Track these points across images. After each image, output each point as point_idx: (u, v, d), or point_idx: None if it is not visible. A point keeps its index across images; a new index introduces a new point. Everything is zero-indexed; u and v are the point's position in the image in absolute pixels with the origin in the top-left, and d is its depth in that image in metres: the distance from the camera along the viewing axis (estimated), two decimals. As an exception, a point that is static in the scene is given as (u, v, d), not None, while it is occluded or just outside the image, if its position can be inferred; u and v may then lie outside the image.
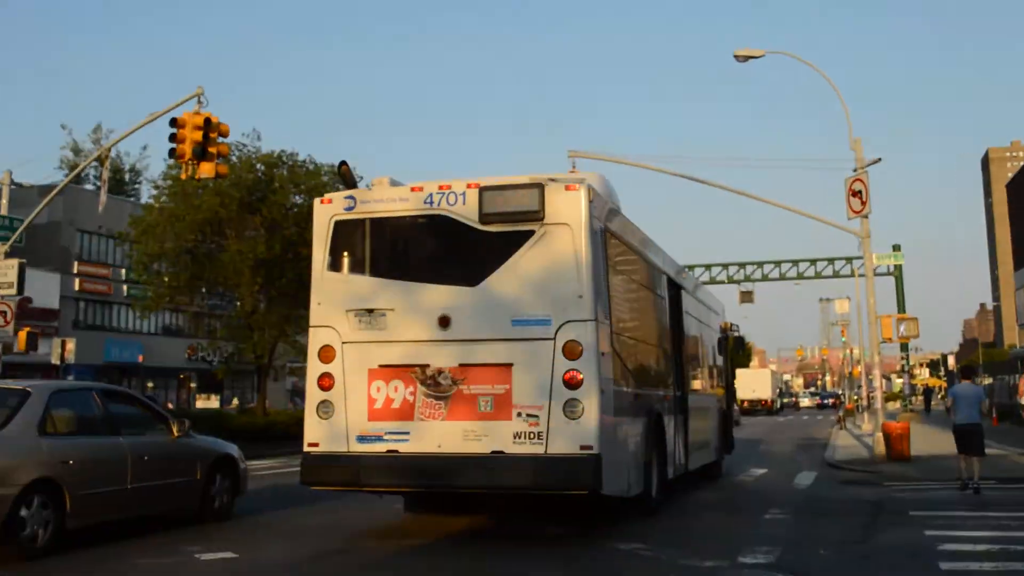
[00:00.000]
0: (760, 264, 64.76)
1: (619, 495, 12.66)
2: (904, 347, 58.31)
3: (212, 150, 22.13)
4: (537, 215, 12.36)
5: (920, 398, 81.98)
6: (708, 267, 64.56)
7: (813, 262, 64.45)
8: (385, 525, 13.93)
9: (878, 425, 25.51)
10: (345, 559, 11.43)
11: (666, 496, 15.31)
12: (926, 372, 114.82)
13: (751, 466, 24.15)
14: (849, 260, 62.75)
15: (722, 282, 63.88)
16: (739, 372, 62.32)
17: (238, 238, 38.51)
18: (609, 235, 13.25)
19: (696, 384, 19.12)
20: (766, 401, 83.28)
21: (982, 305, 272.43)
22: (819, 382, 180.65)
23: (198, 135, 22.03)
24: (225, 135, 22.49)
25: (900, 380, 77.26)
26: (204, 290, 41.54)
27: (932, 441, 30.55)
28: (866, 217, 25.30)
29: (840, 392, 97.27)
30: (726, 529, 13.63)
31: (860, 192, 24.77)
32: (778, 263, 64.88)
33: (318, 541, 12.69)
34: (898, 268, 61.19)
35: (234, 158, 38.01)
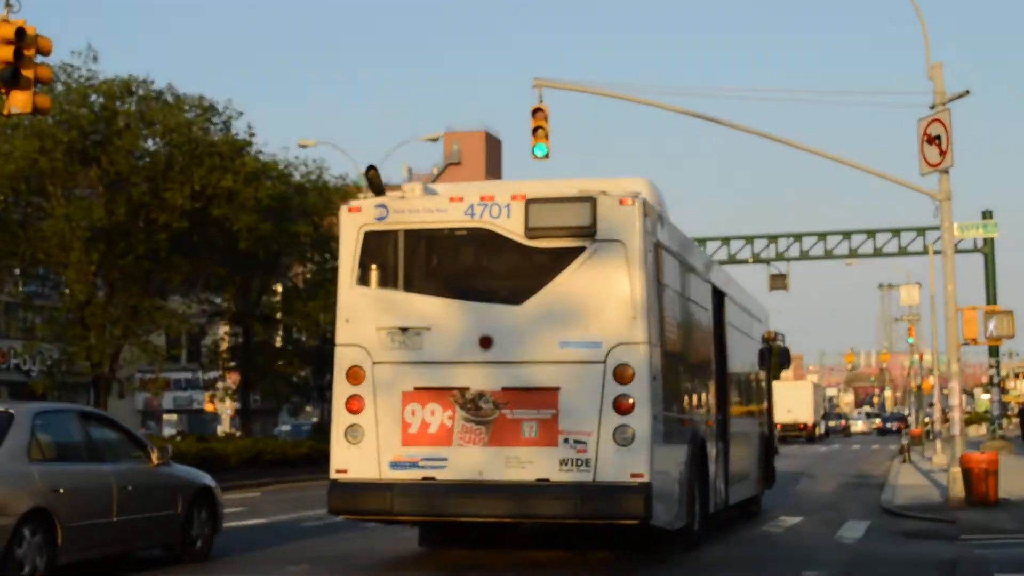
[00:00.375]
0: (798, 237, 56.29)
1: (666, 527, 13.62)
2: (994, 351, 53.07)
3: (27, 74, 18.04)
4: (589, 231, 12.93)
5: (1015, 420, 76.72)
6: (726, 241, 56.49)
7: (871, 234, 55.80)
8: (395, 558, 15.04)
9: (955, 457, 24.03)
10: None
11: (706, 532, 15.96)
12: (1023, 385, 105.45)
13: (781, 513, 23.03)
14: (921, 232, 54.73)
15: (744, 261, 56.28)
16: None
17: (66, 199, 34.17)
18: (661, 249, 13.84)
19: (738, 406, 19.71)
20: (805, 425, 71.98)
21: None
22: (875, 399, 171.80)
23: (6, 52, 17.85)
24: (46, 53, 18.39)
25: (987, 396, 71.40)
26: (17, 271, 37.10)
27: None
28: (946, 172, 23.44)
29: (906, 413, 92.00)
30: None
31: (939, 138, 22.84)
32: (822, 235, 56.34)
33: None
34: (989, 244, 53.67)
35: (60, 86, 33.57)
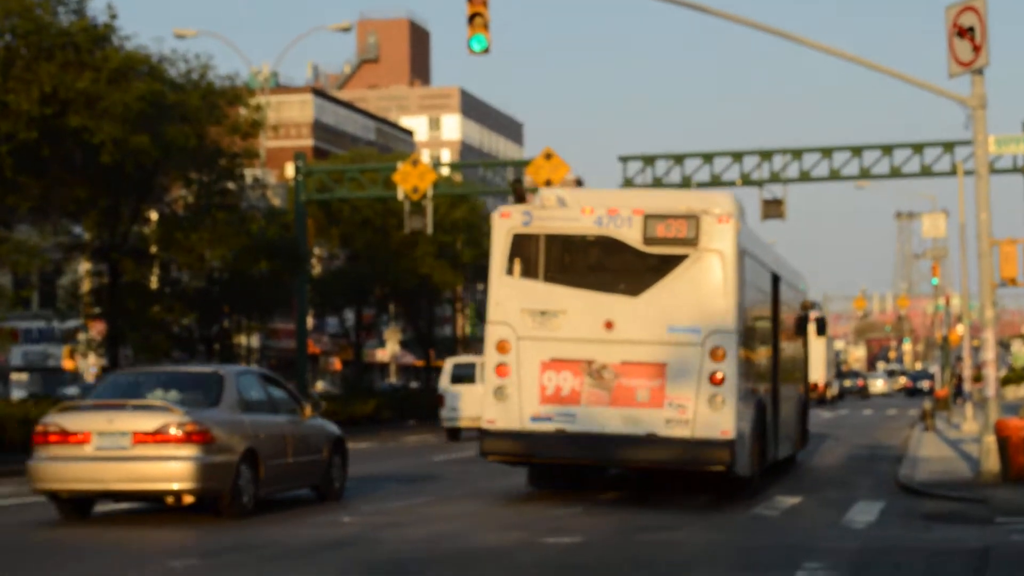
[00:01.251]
0: (797, 153, 55.11)
1: (741, 474, 20.88)
2: (1039, 295, 53.88)
3: None
4: (693, 241, 20.17)
5: None
6: (708, 158, 55.64)
7: (887, 150, 54.61)
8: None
9: (989, 424, 24.26)
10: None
11: (762, 482, 23.35)
12: None
13: (777, 492, 23.42)
14: (948, 148, 53.56)
15: (731, 183, 55.46)
16: None
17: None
18: (745, 255, 21.15)
19: (785, 375, 26.89)
20: (816, 386, 73.66)
21: None
22: (891, 353, 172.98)
23: None
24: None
25: None
26: None
27: None
28: (980, 73, 23.70)
29: (930, 371, 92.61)
30: None
31: (972, 30, 23.10)
32: (827, 152, 55.21)
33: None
34: None
35: None
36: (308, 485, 21.07)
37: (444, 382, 44.69)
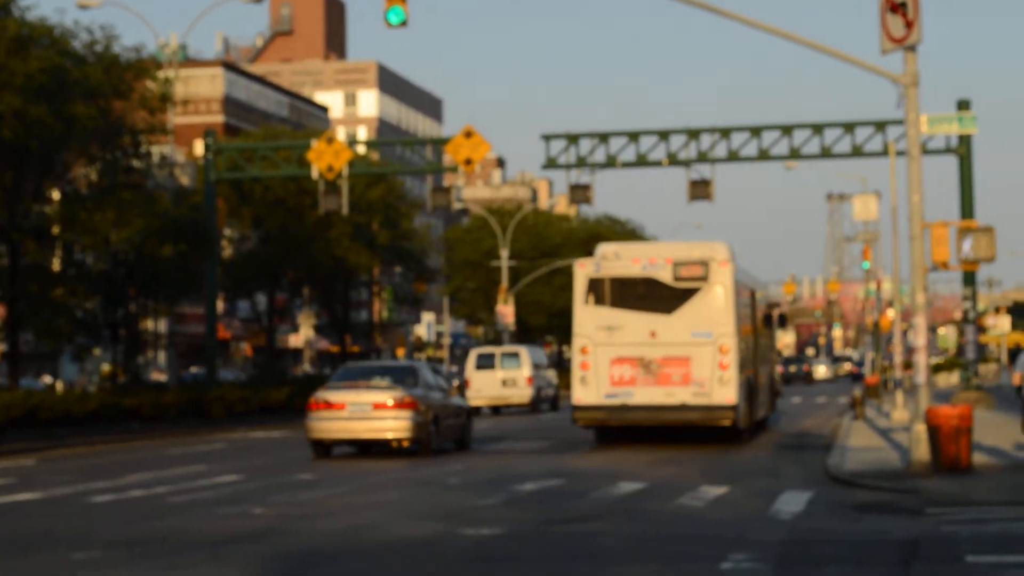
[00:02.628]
0: (726, 132, 55.64)
1: (740, 428, 32.64)
2: (970, 279, 53.47)
3: None
4: (704, 279, 32.07)
5: (994, 367, 77.72)
6: (634, 137, 55.77)
7: (818, 130, 55.34)
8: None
9: (919, 413, 24.56)
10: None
11: (751, 433, 35.35)
12: (1006, 322, 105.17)
13: (702, 482, 23.48)
14: (880, 127, 54.43)
15: (657, 163, 55.98)
16: None
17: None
18: (736, 284, 32.73)
19: (761, 362, 38.32)
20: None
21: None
22: (821, 339, 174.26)
23: None
24: None
25: (944, 331, 72.36)
26: None
27: (1010, 438, 30.86)
28: (913, 50, 24.01)
29: (857, 357, 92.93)
30: None
31: (904, 5, 23.40)
32: (756, 131, 55.78)
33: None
34: (965, 143, 53.40)
35: None
36: (455, 439, 32.74)
37: (470, 369, 55.83)
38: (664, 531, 17.01)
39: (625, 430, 33.86)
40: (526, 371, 55.37)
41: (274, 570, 13.78)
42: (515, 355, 56.11)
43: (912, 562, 14.00)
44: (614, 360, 32.03)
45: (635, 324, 32.14)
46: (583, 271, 32.73)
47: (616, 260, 32.60)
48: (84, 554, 14.74)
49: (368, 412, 29.56)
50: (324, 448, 30.27)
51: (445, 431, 31.43)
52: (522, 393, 55.26)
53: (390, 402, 29.54)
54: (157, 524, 17.46)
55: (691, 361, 31.76)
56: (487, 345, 68.93)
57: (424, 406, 29.98)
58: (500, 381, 55.09)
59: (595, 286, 32.48)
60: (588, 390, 32.09)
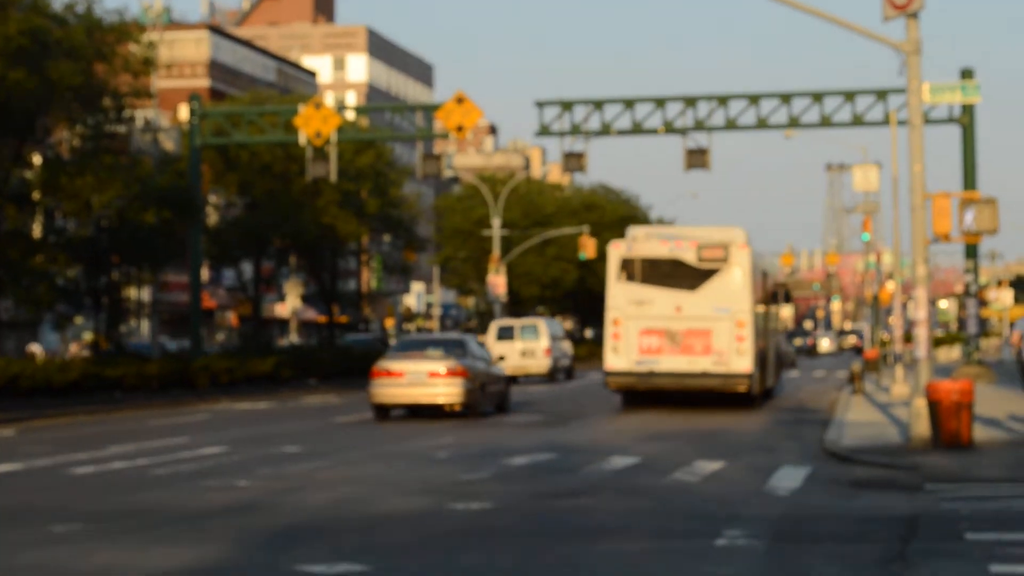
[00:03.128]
0: (723, 100, 55.52)
1: (753, 394, 36.59)
2: (971, 252, 53.26)
3: None
4: (724, 260, 35.92)
5: (993, 341, 77.07)
6: (630, 104, 55.54)
7: (817, 98, 55.03)
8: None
9: (919, 387, 24.67)
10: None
11: (762, 399, 39.02)
12: (1008, 296, 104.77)
13: (696, 457, 23.50)
14: (881, 96, 54.00)
15: (652, 131, 55.78)
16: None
17: None
18: (753, 266, 36.66)
19: (771, 335, 42.34)
20: None
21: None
22: (819, 312, 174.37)
23: None
24: None
25: (945, 305, 71.77)
26: None
27: (1011, 413, 30.88)
28: (915, 17, 23.99)
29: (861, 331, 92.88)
30: (644, 568, 12.99)
31: None
32: (755, 99, 55.57)
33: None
34: (968, 112, 53.44)
35: None
36: (497, 403, 36.31)
37: (490, 340, 58.37)
38: (657, 507, 17.04)
39: (650, 394, 38.00)
40: (544, 342, 58.69)
41: (257, 544, 13.78)
42: (534, 327, 59.45)
43: (910, 539, 14.05)
44: (643, 331, 36.15)
45: (662, 299, 36.08)
46: (616, 251, 36.58)
47: (646, 241, 36.77)
48: (64, 527, 14.73)
49: (424, 380, 33.49)
50: (384, 411, 33.94)
51: (489, 396, 35.49)
52: (540, 363, 58.54)
53: (443, 371, 33.51)
54: (139, 497, 17.47)
55: (712, 333, 35.85)
56: (507, 317, 71.46)
57: (472, 374, 34.02)
58: (520, 352, 58.05)
59: (627, 265, 36.40)
60: (619, 358, 36.20)
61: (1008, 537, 14.00)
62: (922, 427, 24.11)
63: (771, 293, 43.74)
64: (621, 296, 36.36)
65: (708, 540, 13.94)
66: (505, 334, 58.86)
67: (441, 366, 33.52)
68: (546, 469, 21.46)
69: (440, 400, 33.55)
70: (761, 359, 38.22)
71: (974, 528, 14.63)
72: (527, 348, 58.48)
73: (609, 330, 36.60)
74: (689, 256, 36.05)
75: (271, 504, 16.62)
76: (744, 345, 35.75)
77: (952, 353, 75.27)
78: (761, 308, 39.38)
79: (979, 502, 17.04)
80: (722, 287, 36.05)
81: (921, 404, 24.20)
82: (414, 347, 35.92)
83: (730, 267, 35.98)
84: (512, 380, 54.81)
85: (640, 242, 36.60)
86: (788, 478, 20.23)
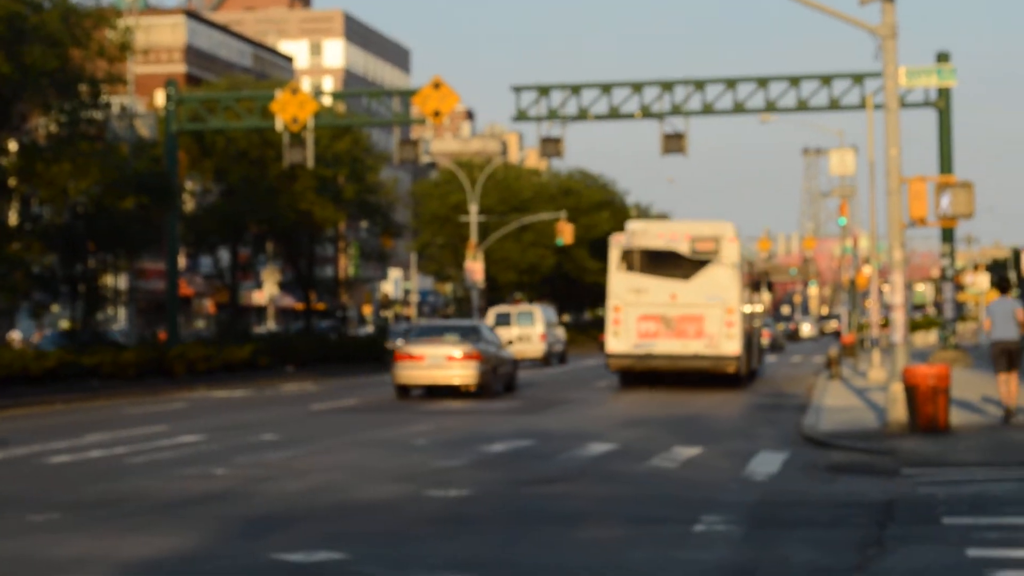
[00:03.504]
0: (700, 84, 55.57)
1: (741, 375, 40.39)
2: (948, 236, 53.19)
3: None
4: (715, 253, 39.51)
5: (970, 325, 77.24)
6: (607, 89, 55.78)
7: (794, 82, 55.21)
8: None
9: (896, 372, 24.76)
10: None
11: (749, 380, 42.92)
12: (984, 280, 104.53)
13: (674, 443, 23.65)
14: (858, 80, 54.39)
15: (629, 116, 55.86)
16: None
17: None
18: (740, 258, 40.55)
19: (755, 321, 46.05)
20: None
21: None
22: (796, 297, 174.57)
23: None
24: None
25: (922, 289, 72.19)
26: None
27: (988, 398, 30.98)
28: (891, 1, 24.24)
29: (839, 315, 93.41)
30: (622, 554, 12.92)
31: None
32: (731, 83, 55.62)
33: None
34: (944, 96, 53.48)
35: None
36: (505, 384, 39.60)
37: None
38: (635, 492, 17.06)
39: (647, 375, 41.39)
40: (539, 328, 61.80)
41: (234, 532, 13.80)
42: (530, 314, 62.51)
43: (887, 524, 14.12)
44: (641, 317, 39.47)
45: (659, 288, 39.37)
46: (617, 242, 40.03)
47: (644, 234, 40.03)
48: (42, 516, 14.72)
49: (442, 363, 36.70)
50: (405, 391, 37.62)
51: (499, 378, 38.72)
52: (536, 348, 61.45)
53: (459, 355, 36.69)
54: (116, 485, 17.46)
55: (704, 319, 39.18)
56: (503, 304, 74.68)
57: (485, 358, 37.20)
58: (516, 337, 60.32)
59: (627, 256, 39.69)
60: (619, 341, 39.61)
61: (984, 521, 14.06)
62: (899, 412, 24.22)
63: (755, 282, 47.71)
64: (621, 285, 39.63)
65: (686, 526, 13.99)
66: (502, 320, 61.12)
67: (457, 350, 36.72)
68: (524, 456, 21.49)
69: (456, 381, 36.65)
70: (748, 342, 41.53)
71: (951, 512, 14.71)
72: (523, 334, 60.92)
73: (610, 316, 39.87)
74: (683, 248, 39.33)
75: (248, 492, 16.63)
76: (733, 330, 39.14)
77: (929, 338, 75.62)
78: (747, 296, 42.57)
79: (956, 486, 17.11)
80: (713, 277, 39.32)
81: (898, 389, 24.31)
82: (433, 332, 39.42)
83: (720, 259, 39.35)
84: (546, 358, 61.77)
85: (639, 235, 39.85)
86: (766, 463, 20.32)
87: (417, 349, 36.95)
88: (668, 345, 39.44)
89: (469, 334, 38.21)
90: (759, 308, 49.60)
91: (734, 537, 13.50)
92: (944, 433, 23.15)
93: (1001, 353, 25.72)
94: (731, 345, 39.26)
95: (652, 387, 40.23)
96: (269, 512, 15.00)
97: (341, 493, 16.58)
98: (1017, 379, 25.75)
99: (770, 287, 51.64)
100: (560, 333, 66.57)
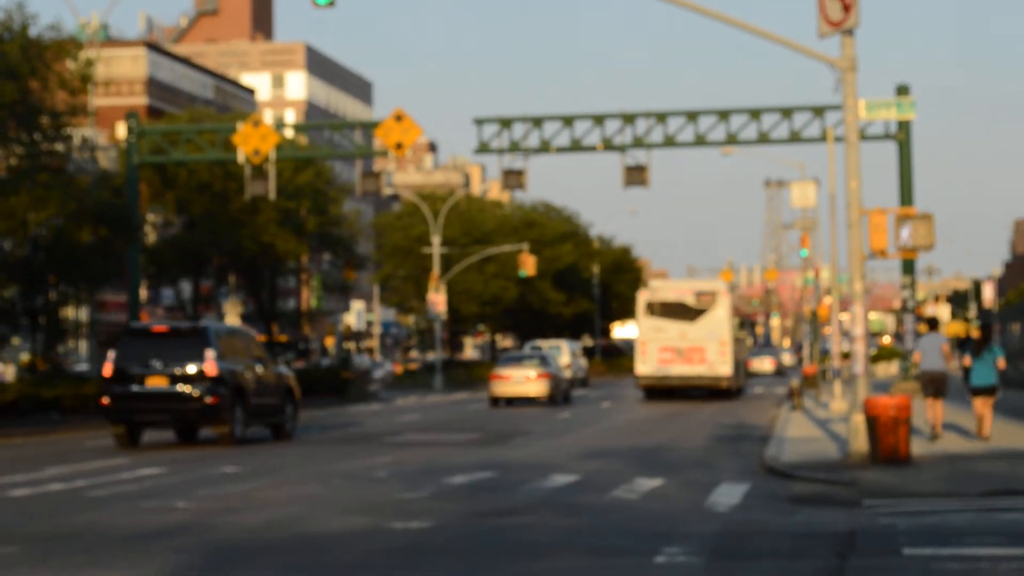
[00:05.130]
0: (662, 117, 56.32)
1: (732, 390, 58.79)
2: (909, 267, 54.54)
3: None
4: (714, 303, 57.81)
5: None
6: (568, 122, 56.39)
7: (755, 115, 55.95)
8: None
9: (858, 403, 24.81)
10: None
11: (737, 393, 60.62)
12: (945, 311, 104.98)
13: (636, 474, 23.49)
14: (819, 112, 55.25)
15: (591, 148, 56.68)
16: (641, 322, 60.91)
17: None
18: (732, 305, 61.04)
19: (740, 352, 63.36)
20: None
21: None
22: (758, 329, 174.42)
23: None
24: None
25: (876, 316, 72.14)
26: None
27: (950, 429, 31.21)
28: (851, 34, 24.28)
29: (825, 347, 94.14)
30: None
31: None
32: (693, 115, 56.36)
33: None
34: (904, 129, 54.39)
35: None
36: (564, 397, 55.05)
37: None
38: (596, 524, 17.01)
39: (665, 391, 56.96)
40: (566, 358, 72.25)
41: (194, 566, 13.70)
42: (559, 347, 73.93)
43: (848, 555, 14.13)
44: (660, 348, 55.61)
45: (673, 328, 55.67)
46: (643, 296, 57.01)
47: (662, 290, 57.28)
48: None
49: (523, 380, 52.78)
50: (496, 401, 53.14)
51: (561, 392, 54.77)
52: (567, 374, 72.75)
53: (534, 375, 52.80)
54: (76, 519, 17.33)
55: (705, 350, 55.36)
56: (536, 340, 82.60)
57: (552, 377, 53.15)
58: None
59: (649, 306, 56.14)
60: (645, 366, 55.92)
61: (945, 552, 14.11)
62: (860, 443, 24.17)
63: (741, 322, 66.75)
64: (645, 326, 56.26)
65: (647, 557, 13.96)
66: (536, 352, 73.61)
67: (533, 372, 52.95)
68: (486, 487, 21.41)
69: (533, 393, 52.52)
70: (736, 367, 58.22)
71: (912, 543, 14.75)
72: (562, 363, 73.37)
73: (638, 348, 56.57)
74: (690, 300, 55.97)
75: (209, 525, 16.53)
76: (726, 358, 55.48)
77: (890, 368, 75.72)
78: (736, 333, 59.52)
79: (917, 517, 17.15)
80: (712, 320, 55.58)
81: (859, 420, 24.28)
82: (515, 360, 55.75)
83: (717, 307, 55.84)
84: (571, 383, 70.93)
85: (658, 291, 57.18)
86: (727, 494, 20.27)
87: (506, 371, 53.46)
88: (680, 369, 55.55)
89: (542, 360, 54.21)
90: (747, 341, 67.78)
91: (695, 568, 13.47)
92: (905, 463, 23.14)
93: (930, 382, 28.80)
94: (725, 368, 55.41)
95: (667, 400, 56.03)
96: (230, 545, 14.90)
97: (302, 525, 16.49)
98: (942, 405, 29.00)
99: (752, 325, 63.96)
100: (583, 362, 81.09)
